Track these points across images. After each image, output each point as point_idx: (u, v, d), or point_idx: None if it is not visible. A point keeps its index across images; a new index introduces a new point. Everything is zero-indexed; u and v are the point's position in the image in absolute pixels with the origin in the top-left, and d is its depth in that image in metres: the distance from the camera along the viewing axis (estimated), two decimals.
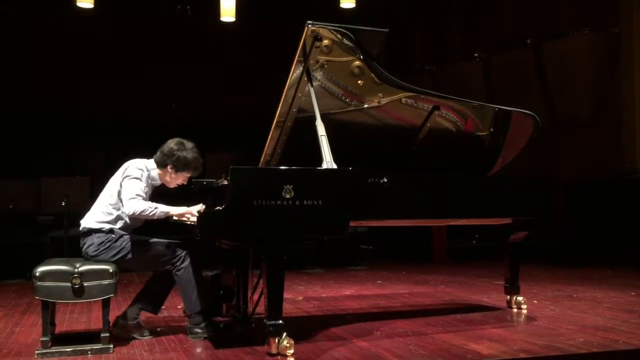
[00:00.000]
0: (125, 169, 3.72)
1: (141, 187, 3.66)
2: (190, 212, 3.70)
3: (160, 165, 3.78)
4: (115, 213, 3.68)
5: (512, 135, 4.42)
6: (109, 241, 3.63)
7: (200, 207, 3.78)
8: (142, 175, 3.70)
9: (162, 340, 3.74)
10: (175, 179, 3.82)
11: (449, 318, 4.33)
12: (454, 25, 11.61)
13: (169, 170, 3.77)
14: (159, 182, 3.83)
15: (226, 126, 10.15)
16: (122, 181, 3.66)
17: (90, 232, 3.65)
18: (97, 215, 3.68)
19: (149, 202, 3.65)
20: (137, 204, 3.59)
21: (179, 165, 3.75)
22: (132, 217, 3.69)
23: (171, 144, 3.77)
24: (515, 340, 3.63)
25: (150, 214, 3.61)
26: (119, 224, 3.68)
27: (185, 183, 3.88)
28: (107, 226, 3.65)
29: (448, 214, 4.07)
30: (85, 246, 3.66)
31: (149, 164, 3.78)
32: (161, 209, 3.65)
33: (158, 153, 3.79)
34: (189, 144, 3.78)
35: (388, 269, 7.29)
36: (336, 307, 4.88)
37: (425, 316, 4.41)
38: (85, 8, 7.79)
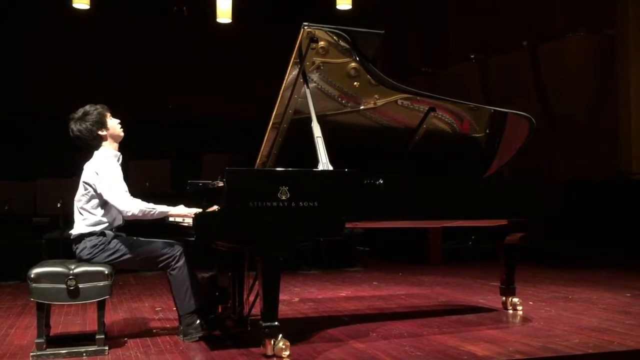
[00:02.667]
0: (91, 172, 3.65)
1: (122, 182, 3.64)
2: (188, 215, 3.69)
3: (97, 140, 3.73)
4: (97, 215, 3.65)
5: (507, 136, 4.43)
6: (102, 244, 3.61)
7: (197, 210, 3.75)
8: (114, 165, 3.67)
9: (157, 342, 3.73)
10: (114, 130, 3.77)
11: (444, 319, 4.33)
12: (450, 26, 11.64)
13: (103, 133, 3.73)
14: (119, 153, 3.79)
15: (222, 127, 10.14)
16: (101, 182, 3.60)
17: (82, 237, 3.63)
18: (85, 220, 3.65)
19: (148, 204, 3.63)
20: (134, 207, 3.56)
21: (97, 124, 3.70)
22: (118, 215, 3.70)
23: (75, 127, 3.70)
24: (511, 341, 3.63)
25: (149, 215, 3.60)
26: (107, 227, 3.66)
27: (120, 124, 3.81)
28: (98, 229, 3.63)
29: (444, 215, 4.07)
30: (79, 250, 3.64)
31: (102, 152, 3.72)
32: (159, 209, 3.64)
33: (85, 140, 3.72)
34: (77, 113, 3.73)
35: (384, 271, 7.29)
36: (332, 308, 4.88)
37: (421, 317, 4.41)
38: (81, 9, 7.77)
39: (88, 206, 3.66)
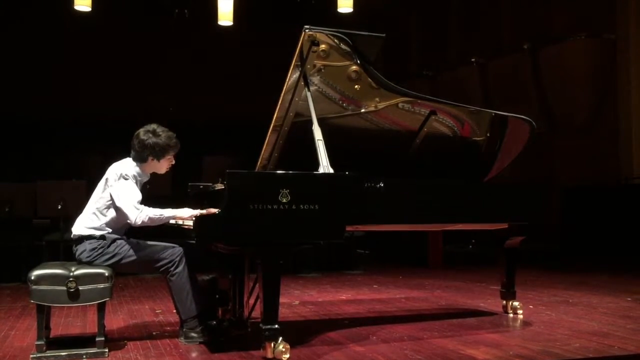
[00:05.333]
0: (112, 174, 3.65)
1: (136, 192, 3.63)
2: (192, 217, 3.67)
3: (141, 160, 3.72)
4: (104, 218, 3.65)
5: (508, 140, 4.43)
6: (101, 247, 3.60)
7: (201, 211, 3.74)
8: (130, 177, 3.64)
9: (157, 344, 3.73)
10: (162, 166, 3.78)
11: (445, 323, 4.33)
12: (451, 30, 11.66)
13: (151, 161, 3.73)
14: (147, 177, 3.80)
15: (223, 130, 10.15)
16: (113, 188, 3.60)
17: (82, 239, 3.63)
18: (87, 222, 3.65)
19: (155, 210, 3.59)
20: (143, 216, 3.53)
21: (157, 152, 3.70)
22: (123, 226, 3.69)
23: (139, 137, 3.69)
24: (511, 345, 3.63)
25: (158, 221, 3.58)
26: (110, 229, 3.65)
27: (173, 163, 3.82)
28: (98, 232, 3.62)
29: (444, 219, 4.07)
30: (78, 253, 3.64)
31: (130, 165, 3.71)
32: (167, 215, 3.60)
33: (132, 151, 3.73)
34: (152, 127, 3.71)
35: (384, 274, 7.29)
36: (332, 311, 4.88)
37: (422, 321, 4.40)
38: (83, 11, 7.78)
39: (97, 206, 3.66)
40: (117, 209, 3.63)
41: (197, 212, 3.64)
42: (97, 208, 3.66)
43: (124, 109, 10.03)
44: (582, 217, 8.83)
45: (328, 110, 3.94)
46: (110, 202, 3.64)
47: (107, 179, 3.67)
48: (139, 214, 3.54)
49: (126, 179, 3.61)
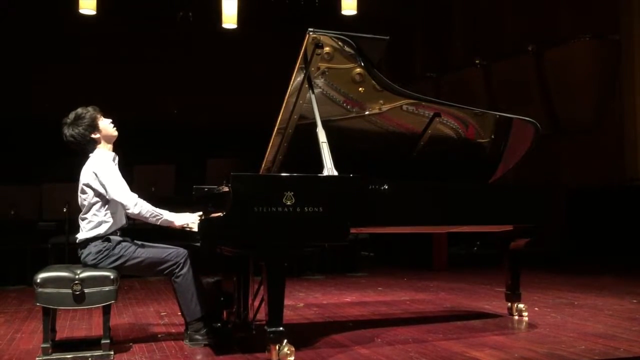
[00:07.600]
0: (88, 174, 3.64)
1: (122, 180, 3.64)
2: (192, 223, 3.68)
3: (93, 145, 3.72)
4: (101, 215, 3.65)
5: (513, 142, 4.43)
6: (107, 249, 3.61)
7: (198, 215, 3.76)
8: (109, 166, 3.64)
9: (162, 347, 3.74)
10: (106, 130, 3.75)
11: (449, 325, 4.32)
12: (455, 32, 11.65)
13: (97, 136, 3.72)
14: (115, 154, 3.78)
15: (227, 133, 10.17)
16: (100, 182, 3.60)
17: (87, 242, 3.64)
18: (90, 225, 3.65)
19: (155, 209, 3.62)
20: (141, 205, 3.56)
21: (91, 127, 3.69)
22: (121, 215, 3.70)
23: (69, 137, 3.69)
24: (516, 347, 3.62)
25: (154, 219, 3.60)
26: (111, 227, 3.65)
27: (112, 123, 3.79)
28: (102, 231, 3.63)
29: (449, 221, 4.07)
30: (84, 256, 3.65)
31: (96, 158, 3.69)
32: (165, 217, 3.62)
33: (79, 144, 3.71)
34: (67, 121, 3.71)
35: (389, 276, 7.28)
36: (337, 313, 4.88)
37: (426, 323, 4.40)
38: (87, 15, 7.80)
39: (91, 209, 3.66)
40: (110, 202, 3.64)
41: (197, 218, 3.65)
42: (94, 209, 3.66)
43: (129, 112, 10.03)
44: (587, 219, 8.80)
45: (332, 113, 3.94)
46: (100, 200, 3.64)
47: (86, 181, 3.66)
48: (135, 199, 3.57)
49: (108, 169, 3.61)
